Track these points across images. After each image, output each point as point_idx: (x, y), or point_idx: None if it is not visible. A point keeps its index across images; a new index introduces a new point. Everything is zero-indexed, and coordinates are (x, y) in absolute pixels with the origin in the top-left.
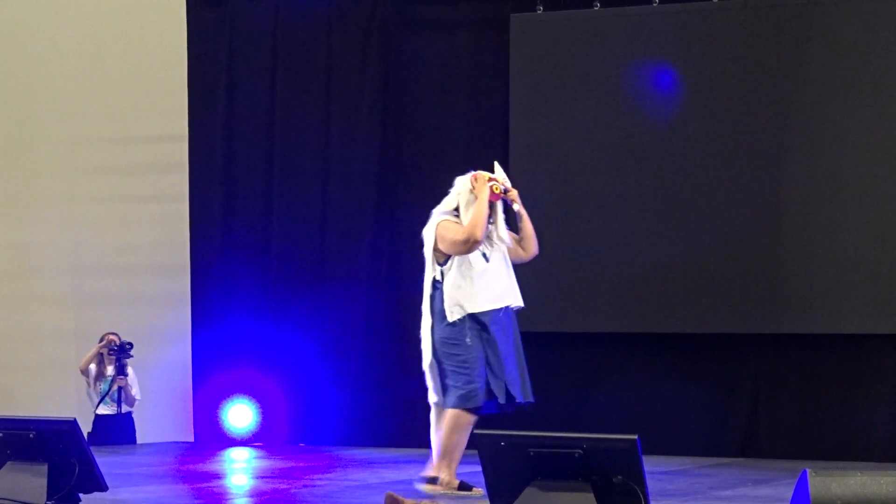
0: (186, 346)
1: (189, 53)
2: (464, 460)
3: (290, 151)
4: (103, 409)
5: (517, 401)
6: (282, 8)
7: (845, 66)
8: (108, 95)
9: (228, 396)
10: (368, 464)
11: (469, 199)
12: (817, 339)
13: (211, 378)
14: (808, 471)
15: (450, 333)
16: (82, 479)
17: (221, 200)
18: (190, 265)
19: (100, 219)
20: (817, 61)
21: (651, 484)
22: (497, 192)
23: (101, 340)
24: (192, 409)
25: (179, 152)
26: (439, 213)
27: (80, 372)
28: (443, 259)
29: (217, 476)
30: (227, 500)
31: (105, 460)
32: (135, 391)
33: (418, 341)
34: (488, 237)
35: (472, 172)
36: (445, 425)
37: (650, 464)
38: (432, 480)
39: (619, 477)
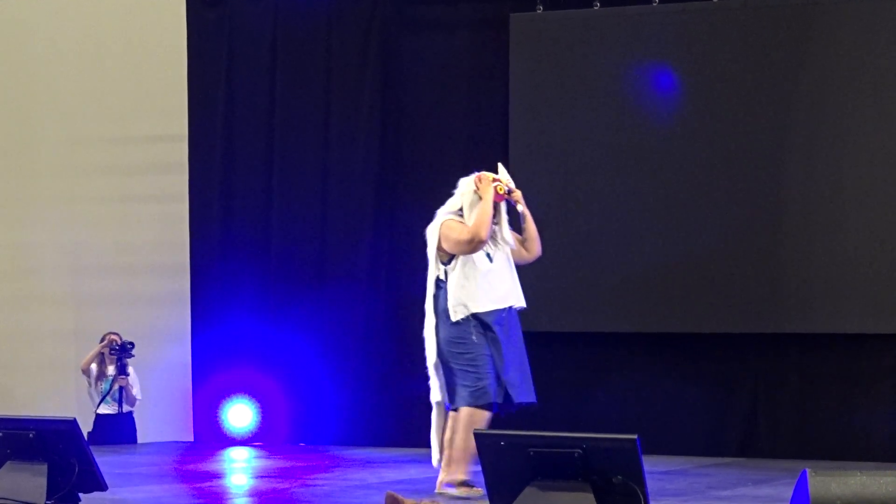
0: (186, 346)
1: (189, 53)
2: None
3: (290, 151)
4: (104, 409)
5: (515, 402)
6: (281, 8)
7: (845, 66)
8: (108, 95)
9: (228, 396)
10: (368, 463)
11: (473, 199)
12: (817, 338)
13: (211, 378)
14: (808, 471)
15: (455, 333)
16: (82, 479)
17: (221, 200)
18: (190, 265)
19: (100, 219)
20: (817, 61)
21: (651, 484)
22: (501, 192)
23: (103, 340)
24: (191, 409)
25: (179, 152)
26: (444, 213)
27: (80, 372)
28: (446, 259)
29: (217, 476)
30: (226, 499)
31: (105, 460)
32: (136, 391)
33: (418, 341)
34: (492, 238)
35: (476, 173)
36: (460, 426)
37: (650, 464)
38: (464, 484)
39: (619, 477)
